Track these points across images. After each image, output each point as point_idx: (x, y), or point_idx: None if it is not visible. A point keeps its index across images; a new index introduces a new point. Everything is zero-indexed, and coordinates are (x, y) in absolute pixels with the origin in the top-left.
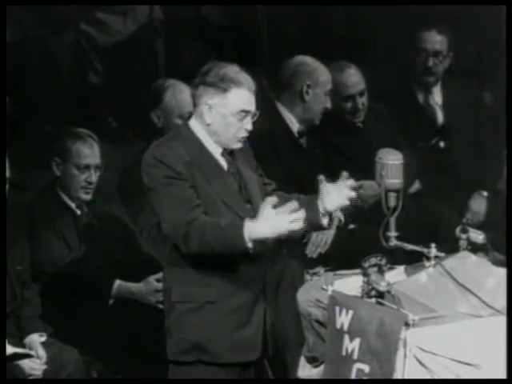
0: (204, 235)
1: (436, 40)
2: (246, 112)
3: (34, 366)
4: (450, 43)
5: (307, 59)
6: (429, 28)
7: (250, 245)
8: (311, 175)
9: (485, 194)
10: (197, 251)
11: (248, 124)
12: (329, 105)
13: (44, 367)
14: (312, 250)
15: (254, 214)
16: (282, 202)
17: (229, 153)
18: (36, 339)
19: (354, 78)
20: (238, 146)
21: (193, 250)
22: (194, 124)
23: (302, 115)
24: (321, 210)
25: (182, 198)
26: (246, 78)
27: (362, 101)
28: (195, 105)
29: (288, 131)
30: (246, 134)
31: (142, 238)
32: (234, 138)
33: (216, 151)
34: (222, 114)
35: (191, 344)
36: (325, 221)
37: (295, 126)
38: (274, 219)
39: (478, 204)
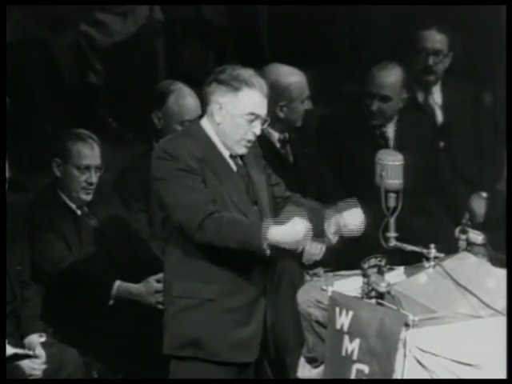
0: (221, 228)
1: (436, 39)
2: (256, 115)
3: (34, 366)
4: (450, 42)
5: (279, 72)
6: (429, 27)
7: (266, 247)
8: (299, 185)
9: (484, 195)
10: (210, 242)
11: (257, 128)
12: (308, 106)
13: (44, 367)
14: (308, 259)
15: (260, 216)
16: (298, 208)
17: (238, 155)
18: (36, 339)
19: (388, 78)
20: (243, 151)
21: (206, 240)
22: (205, 123)
23: (282, 126)
24: (335, 227)
25: (196, 187)
26: (259, 81)
27: (381, 106)
28: (206, 103)
29: (269, 142)
30: (253, 138)
31: (143, 236)
32: (240, 141)
33: (226, 152)
34: (231, 114)
35: (188, 340)
36: (335, 239)
37: (275, 136)
38: (291, 227)
39: (478, 205)
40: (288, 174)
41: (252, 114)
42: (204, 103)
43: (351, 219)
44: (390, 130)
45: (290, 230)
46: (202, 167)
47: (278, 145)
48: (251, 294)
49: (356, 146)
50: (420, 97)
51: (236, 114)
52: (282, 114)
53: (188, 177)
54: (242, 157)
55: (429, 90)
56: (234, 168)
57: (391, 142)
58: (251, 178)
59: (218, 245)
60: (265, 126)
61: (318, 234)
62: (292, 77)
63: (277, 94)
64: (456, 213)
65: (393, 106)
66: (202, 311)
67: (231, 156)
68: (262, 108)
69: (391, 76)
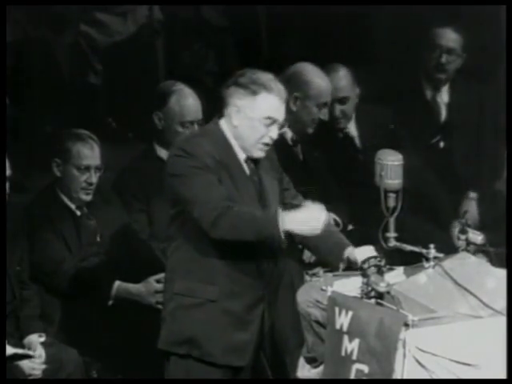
0: (237, 222)
1: (451, 37)
2: (273, 120)
3: (34, 365)
4: (465, 43)
5: (305, 69)
6: (445, 25)
7: (283, 237)
8: (307, 183)
9: (473, 195)
10: (225, 237)
11: (273, 132)
12: (323, 116)
13: (43, 367)
14: (308, 256)
15: None
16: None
17: (252, 160)
18: (35, 339)
19: (340, 81)
20: (260, 154)
21: (221, 235)
22: (223, 124)
23: (293, 124)
24: (346, 256)
25: (211, 184)
26: (277, 86)
27: (342, 108)
28: (225, 105)
29: (282, 139)
30: (270, 142)
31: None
32: (257, 144)
33: (242, 155)
34: (248, 117)
35: (185, 337)
36: (341, 264)
37: (288, 133)
38: (310, 214)
39: (470, 207)
40: (297, 172)
41: (269, 118)
42: (222, 105)
43: (361, 257)
44: (352, 129)
45: (308, 217)
46: (218, 169)
47: (290, 143)
48: (252, 298)
49: (326, 153)
50: (428, 94)
51: (253, 118)
52: (294, 107)
53: (204, 174)
54: (256, 161)
55: (438, 88)
56: (248, 172)
57: (356, 141)
58: (263, 183)
59: (234, 239)
60: (282, 130)
61: (331, 260)
62: (317, 78)
63: (295, 85)
64: (449, 214)
65: (351, 104)
66: (202, 311)
67: (246, 160)
68: (279, 112)
69: (342, 77)
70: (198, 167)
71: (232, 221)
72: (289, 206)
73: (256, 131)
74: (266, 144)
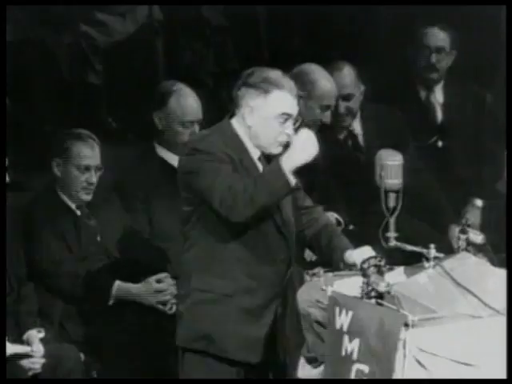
0: (246, 193)
1: (439, 36)
2: (287, 115)
3: (33, 360)
4: (452, 41)
5: (312, 69)
6: (431, 24)
7: (292, 179)
8: (309, 182)
9: (480, 204)
10: (246, 215)
11: (289, 128)
12: (326, 119)
13: (42, 361)
14: (310, 255)
15: (282, 220)
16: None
17: (265, 158)
18: (34, 334)
19: (344, 78)
20: (279, 150)
21: (241, 215)
22: (235, 124)
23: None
24: (345, 258)
25: (229, 174)
26: (288, 82)
27: (347, 105)
28: (237, 106)
29: None
30: (286, 139)
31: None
32: (274, 142)
33: (255, 154)
34: (262, 117)
35: (202, 333)
36: (341, 265)
37: None
38: (302, 144)
39: (473, 216)
40: (301, 170)
41: (284, 113)
42: (233, 106)
43: (361, 258)
44: (357, 127)
45: (302, 148)
46: (233, 165)
47: None
48: (268, 293)
49: (329, 152)
50: (422, 95)
51: (268, 117)
52: None
53: (220, 165)
54: (268, 159)
55: (431, 88)
56: (261, 170)
57: (360, 139)
58: None
59: (253, 213)
60: (296, 125)
61: (332, 261)
62: (323, 79)
63: (300, 84)
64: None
65: (356, 101)
66: (219, 307)
67: (259, 158)
68: (292, 107)
69: (346, 74)
70: (213, 161)
71: (243, 195)
72: (301, 208)
73: (271, 130)
74: (283, 142)
